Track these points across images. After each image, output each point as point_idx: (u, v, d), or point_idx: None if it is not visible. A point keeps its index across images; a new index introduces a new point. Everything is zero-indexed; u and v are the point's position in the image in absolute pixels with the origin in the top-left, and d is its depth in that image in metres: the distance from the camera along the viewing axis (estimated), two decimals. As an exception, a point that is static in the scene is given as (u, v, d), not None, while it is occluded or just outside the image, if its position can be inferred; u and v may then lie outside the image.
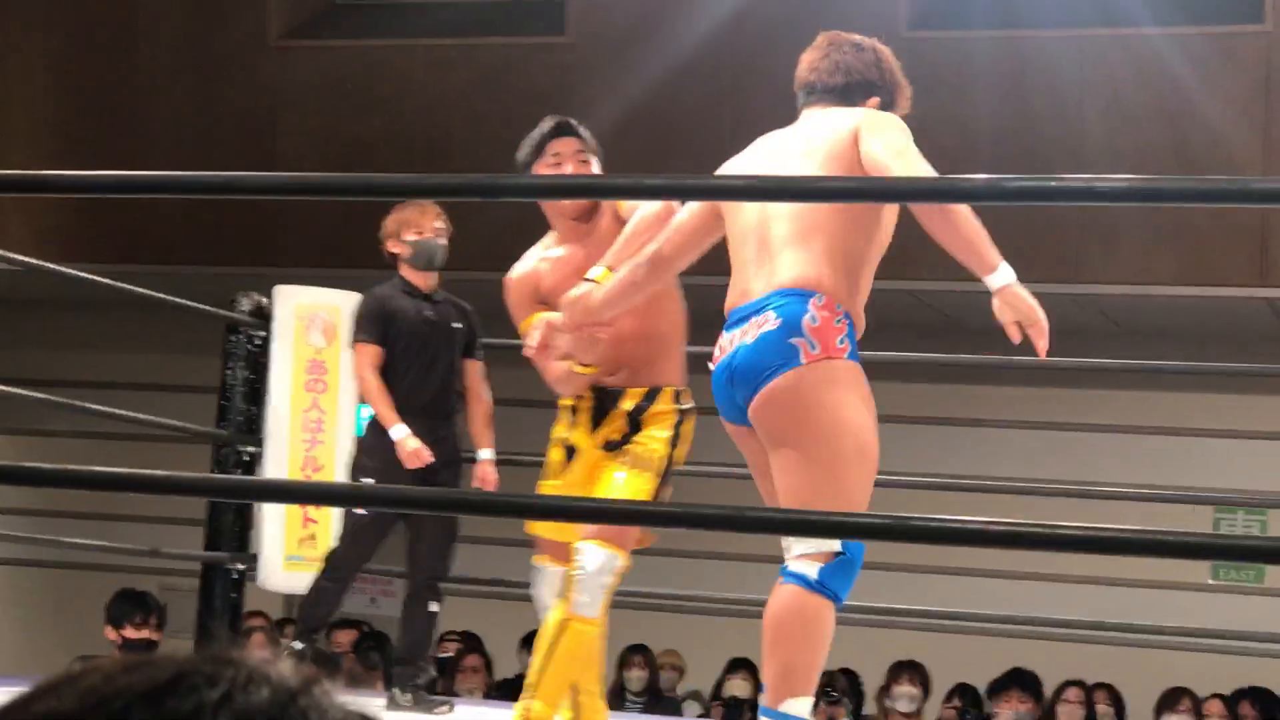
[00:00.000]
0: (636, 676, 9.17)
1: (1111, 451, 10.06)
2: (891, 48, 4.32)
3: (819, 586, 3.90)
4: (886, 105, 4.17)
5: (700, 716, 9.31)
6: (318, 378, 6.93)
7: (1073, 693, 8.70)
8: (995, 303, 3.77)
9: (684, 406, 4.77)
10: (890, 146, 3.90)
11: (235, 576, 6.74)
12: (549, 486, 4.82)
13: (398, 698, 6.10)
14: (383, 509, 5.92)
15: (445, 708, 6.13)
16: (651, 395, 4.75)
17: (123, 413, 7.00)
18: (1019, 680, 8.52)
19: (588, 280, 4.34)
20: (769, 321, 3.93)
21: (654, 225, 4.38)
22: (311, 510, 6.89)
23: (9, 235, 9.47)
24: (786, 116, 4.27)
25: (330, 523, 6.75)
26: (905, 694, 8.58)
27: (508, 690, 8.06)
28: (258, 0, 10.14)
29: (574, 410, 4.80)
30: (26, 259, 6.44)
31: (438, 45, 9.98)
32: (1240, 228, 8.68)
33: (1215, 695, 8.68)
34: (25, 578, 12.03)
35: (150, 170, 7.39)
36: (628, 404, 4.74)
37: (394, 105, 9.84)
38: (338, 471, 6.77)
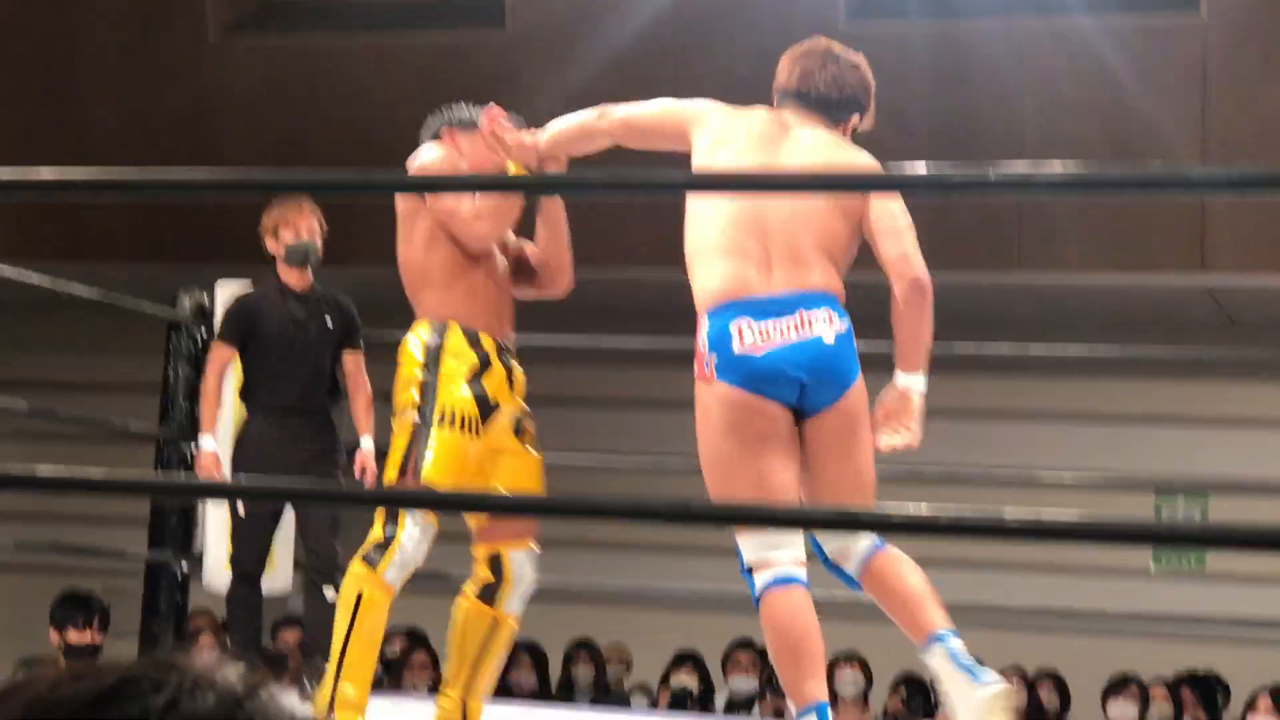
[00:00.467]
0: (583, 671, 9.17)
1: (1050, 439, 10.09)
2: (831, 39, 4.36)
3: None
4: (860, 123, 4.30)
5: (649, 706, 9.31)
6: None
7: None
8: (891, 394, 4.04)
9: None
10: (905, 216, 4.09)
11: (180, 578, 6.71)
12: (459, 442, 4.72)
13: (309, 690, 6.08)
14: (267, 503, 5.98)
15: None
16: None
17: (67, 412, 6.95)
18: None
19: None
20: (834, 320, 4.04)
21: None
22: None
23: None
24: (729, 103, 4.33)
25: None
26: (850, 679, 8.59)
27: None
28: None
29: (484, 361, 4.79)
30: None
31: (377, 41, 9.95)
32: (1177, 215, 8.73)
33: (1159, 680, 8.72)
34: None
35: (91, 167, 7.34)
36: (518, 371, 4.84)
37: (335, 101, 9.79)
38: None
